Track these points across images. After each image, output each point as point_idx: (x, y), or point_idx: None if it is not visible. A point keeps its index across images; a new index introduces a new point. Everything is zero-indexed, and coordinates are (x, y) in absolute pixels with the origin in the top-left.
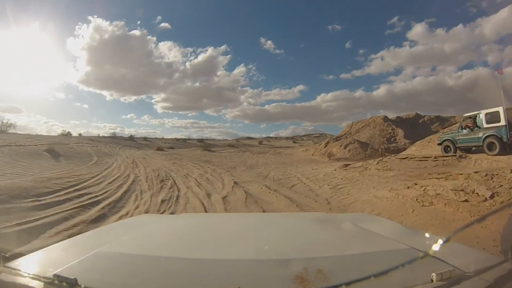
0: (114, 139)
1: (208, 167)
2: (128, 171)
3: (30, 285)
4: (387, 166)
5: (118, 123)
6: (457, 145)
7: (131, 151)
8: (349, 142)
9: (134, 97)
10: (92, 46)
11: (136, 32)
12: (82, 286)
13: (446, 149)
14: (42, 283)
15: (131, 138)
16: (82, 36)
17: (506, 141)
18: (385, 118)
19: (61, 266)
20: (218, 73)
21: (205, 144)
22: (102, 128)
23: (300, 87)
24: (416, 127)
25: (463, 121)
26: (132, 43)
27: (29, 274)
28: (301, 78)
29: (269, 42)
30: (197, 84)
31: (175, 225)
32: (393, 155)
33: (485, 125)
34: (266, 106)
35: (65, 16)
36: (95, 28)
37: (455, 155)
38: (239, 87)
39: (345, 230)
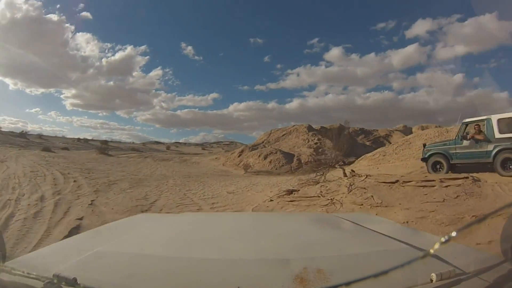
0: None
1: (74, 181)
2: None
3: (30, 284)
4: (372, 197)
5: (21, 117)
6: (452, 161)
7: (6, 150)
8: (270, 152)
9: (41, 90)
10: (0, 23)
11: (54, 17)
12: (82, 285)
13: (435, 167)
14: (42, 283)
15: (22, 135)
16: None
17: None
18: (309, 127)
19: (61, 265)
20: (134, 73)
21: (103, 147)
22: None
23: (214, 95)
24: (338, 139)
25: (462, 128)
26: (47, 28)
27: (28, 273)
28: (216, 86)
29: (190, 47)
30: (111, 83)
31: (175, 224)
32: (345, 168)
33: (498, 135)
34: (178, 112)
35: None
36: (7, 3)
37: (467, 177)
38: (153, 90)
39: (345, 230)
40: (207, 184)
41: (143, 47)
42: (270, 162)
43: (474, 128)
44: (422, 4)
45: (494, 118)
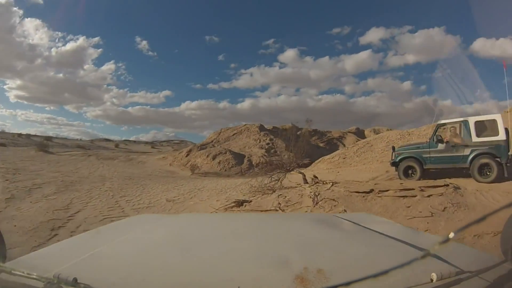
0: None
1: None
2: None
3: (30, 285)
4: (345, 211)
5: None
6: (425, 166)
7: None
8: (219, 152)
9: None
10: None
11: None
12: (82, 286)
13: (406, 172)
14: (42, 283)
15: None
16: None
17: (505, 163)
18: (261, 127)
19: (61, 266)
20: (86, 66)
21: (43, 144)
22: None
23: (167, 92)
24: (293, 140)
25: (437, 130)
26: None
27: (29, 274)
28: (169, 84)
29: (145, 42)
30: (61, 75)
31: (175, 224)
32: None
33: (475, 139)
34: (130, 108)
35: None
36: None
37: (447, 185)
38: (105, 85)
39: (345, 230)
40: (147, 188)
41: (96, 39)
42: (219, 163)
43: (450, 131)
44: (377, 13)
45: (472, 120)
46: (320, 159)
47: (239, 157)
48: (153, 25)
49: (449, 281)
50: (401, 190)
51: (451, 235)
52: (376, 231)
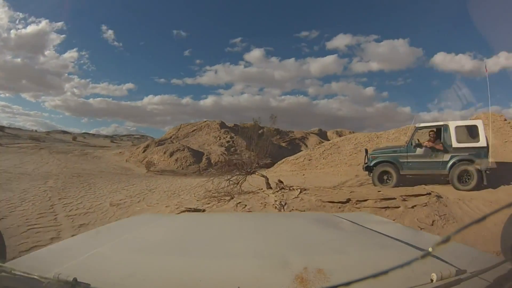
0: None
1: None
2: None
3: (30, 285)
4: None
5: None
6: (402, 171)
7: None
8: (177, 148)
9: None
10: None
11: None
12: (82, 286)
13: (381, 177)
14: (42, 283)
15: None
16: None
17: (485, 170)
18: (222, 124)
19: (61, 266)
20: (46, 52)
21: None
22: None
23: (130, 85)
24: (255, 138)
25: (414, 134)
26: None
27: (29, 274)
28: (132, 76)
29: (111, 32)
30: (19, 60)
31: (175, 225)
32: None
33: (455, 144)
34: (91, 100)
35: None
36: None
37: (430, 193)
38: (66, 74)
39: (345, 230)
40: (94, 187)
41: (60, 24)
42: (177, 160)
43: (429, 135)
44: (345, 21)
45: (452, 125)
46: (284, 159)
47: (197, 155)
48: (121, 15)
49: (449, 281)
50: (381, 200)
51: (451, 235)
52: (376, 231)
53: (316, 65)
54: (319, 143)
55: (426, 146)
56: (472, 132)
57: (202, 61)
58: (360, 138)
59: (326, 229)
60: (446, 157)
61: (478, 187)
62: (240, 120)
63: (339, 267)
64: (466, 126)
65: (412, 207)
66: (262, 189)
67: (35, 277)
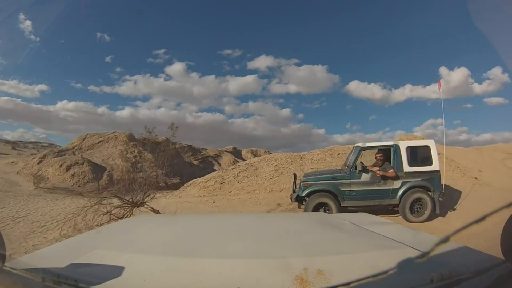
0: None
1: None
2: None
3: (30, 285)
4: None
5: None
6: (343, 203)
7: None
8: (76, 162)
9: None
10: None
11: None
12: (82, 286)
13: (317, 210)
14: (42, 283)
15: None
16: None
17: (438, 197)
18: (131, 137)
19: (61, 266)
20: None
21: None
22: None
23: (43, 86)
24: (166, 154)
25: (359, 155)
26: None
27: (29, 274)
28: (47, 77)
29: (29, 22)
30: None
31: (175, 225)
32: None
33: (407, 169)
34: None
35: None
36: None
37: None
38: None
39: (345, 230)
40: None
41: None
42: (73, 175)
43: (376, 158)
44: (268, 43)
45: (403, 145)
46: (192, 181)
47: (99, 170)
48: (43, 5)
49: (449, 281)
50: None
51: (451, 235)
52: (376, 232)
53: (236, 83)
54: (234, 162)
55: (373, 172)
56: (424, 153)
57: (123, 69)
58: (281, 159)
59: (326, 230)
60: (397, 183)
61: (431, 217)
62: (155, 134)
63: (339, 268)
64: (418, 146)
65: None
66: None
67: (35, 277)
